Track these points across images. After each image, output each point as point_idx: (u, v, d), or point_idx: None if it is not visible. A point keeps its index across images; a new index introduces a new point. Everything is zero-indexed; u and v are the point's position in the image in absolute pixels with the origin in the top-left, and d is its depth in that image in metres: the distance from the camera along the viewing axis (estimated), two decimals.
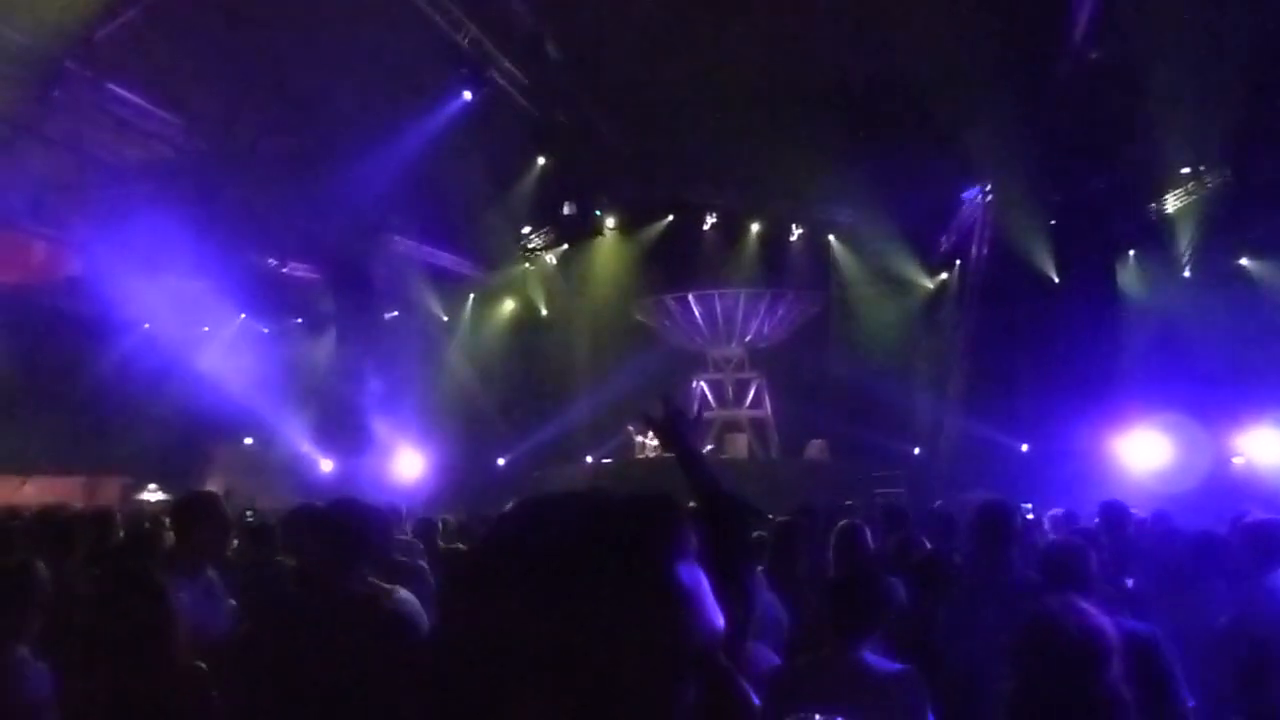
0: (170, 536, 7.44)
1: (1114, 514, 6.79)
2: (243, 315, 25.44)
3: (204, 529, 4.95)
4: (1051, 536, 7.23)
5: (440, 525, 8.96)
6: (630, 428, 24.04)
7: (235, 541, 6.47)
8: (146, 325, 22.62)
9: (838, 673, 3.52)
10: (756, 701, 1.00)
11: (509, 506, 1.08)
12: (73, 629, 4.19)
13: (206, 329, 24.53)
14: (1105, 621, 2.82)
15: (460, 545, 7.79)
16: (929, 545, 6.49)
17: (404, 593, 4.48)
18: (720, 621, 0.98)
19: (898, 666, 3.57)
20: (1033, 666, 2.74)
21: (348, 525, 3.93)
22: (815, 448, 23.81)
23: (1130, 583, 5.97)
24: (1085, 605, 2.91)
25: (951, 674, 4.02)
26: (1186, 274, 21.82)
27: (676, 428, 3.09)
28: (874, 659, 3.60)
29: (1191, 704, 3.99)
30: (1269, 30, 16.13)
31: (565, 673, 0.90)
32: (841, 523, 6.13)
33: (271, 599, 4.93)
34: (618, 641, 0.91)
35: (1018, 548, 4.90)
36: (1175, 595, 5.04)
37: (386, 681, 3.55)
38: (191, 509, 5.08)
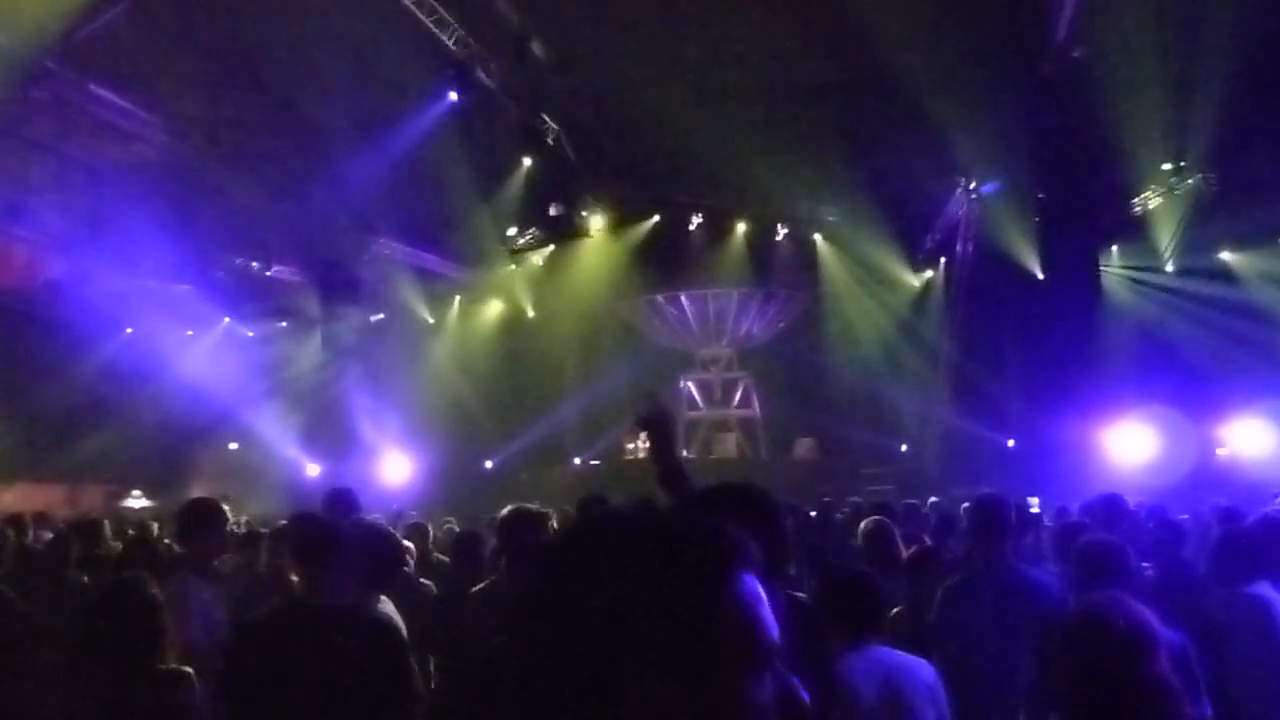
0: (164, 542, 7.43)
1: (1110, 508, 6.72)
2: (226, 319, 25.33)
3: (212, 533, 5.10)
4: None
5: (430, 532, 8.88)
6: (625, 440, 24.02)
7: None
8: (129, 329, 22.48)
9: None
10: (808, 698, 1.11)
11: (574, 528, 1.23)
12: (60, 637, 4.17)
13: (190, 333, 24.40)
14: (1150, 614, 2.84)
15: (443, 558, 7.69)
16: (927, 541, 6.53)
17: (386, 603, 4.48)
18: (776, 631, 1.09)
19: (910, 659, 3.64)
20: (1083, 660, 2.75)
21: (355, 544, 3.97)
22: (804, 446, 23.85)
23: (1149, 569, 5.92)
24: (1129, 599, 2.92)
25: (944, 667, 4.00)
26: (1169, 269, 21.94)
27: (658, 428, 3.09)
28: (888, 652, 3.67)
29: (1209, 712, 3.95)
30: (1249, 26, 16.25)
31: (666, 666, 1.02)
32: (870, 519, 6.26)
33: (257, 609, 4.93)
34: (710, 637, 1.03)
35: (1012, 541, 4.88)
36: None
37: (370, 691, 3.53)
38: (201, 513, 5.19)
